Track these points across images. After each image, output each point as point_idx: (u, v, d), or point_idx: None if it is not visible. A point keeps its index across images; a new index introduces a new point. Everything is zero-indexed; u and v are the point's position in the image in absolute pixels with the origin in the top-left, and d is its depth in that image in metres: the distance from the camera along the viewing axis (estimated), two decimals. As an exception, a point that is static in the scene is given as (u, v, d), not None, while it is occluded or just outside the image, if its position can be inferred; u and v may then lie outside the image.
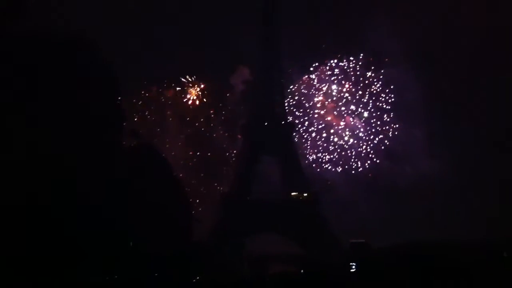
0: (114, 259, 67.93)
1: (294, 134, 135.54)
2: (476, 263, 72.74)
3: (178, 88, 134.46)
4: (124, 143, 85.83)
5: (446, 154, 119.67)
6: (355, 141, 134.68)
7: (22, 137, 55.84)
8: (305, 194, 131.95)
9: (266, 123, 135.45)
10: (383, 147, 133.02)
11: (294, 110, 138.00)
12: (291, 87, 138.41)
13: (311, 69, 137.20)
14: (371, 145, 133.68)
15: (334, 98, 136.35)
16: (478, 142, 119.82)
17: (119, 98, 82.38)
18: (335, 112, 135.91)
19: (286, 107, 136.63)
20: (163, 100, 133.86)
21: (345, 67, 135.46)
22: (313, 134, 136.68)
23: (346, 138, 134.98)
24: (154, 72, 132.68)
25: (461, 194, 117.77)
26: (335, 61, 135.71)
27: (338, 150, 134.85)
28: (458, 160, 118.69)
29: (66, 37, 66.20)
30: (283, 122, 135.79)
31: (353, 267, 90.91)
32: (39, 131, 57.41)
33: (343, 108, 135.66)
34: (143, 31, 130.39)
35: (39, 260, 55.03)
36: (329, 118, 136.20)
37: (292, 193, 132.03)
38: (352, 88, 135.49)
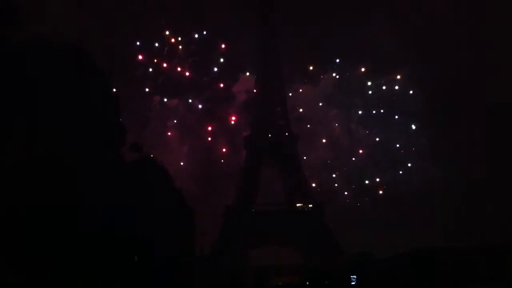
0: (117, 271, 67.74)
1: (297, 144, 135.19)
2: (480, 272, 72.43)
3: (180, 100, 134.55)
4: (126, 156, 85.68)
5: (451, 161, 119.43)
6: (359, 151, 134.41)
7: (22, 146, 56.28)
8: (309, 205, 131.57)
9: (269, 135, 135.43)
10: (387, 156, 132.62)
11: (297, 120, 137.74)
12: (293, 97, 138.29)
13: (313, 78, 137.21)
14: (375, 154, 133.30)
15: (337, 107, 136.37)
16: (482, 147, 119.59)
17: (120, 110, 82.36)
18: (338, 121, 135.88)
19: (289, 118, 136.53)
20: (165, 112, 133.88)
21: (348, 75, 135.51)
22: (316, 144, 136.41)
23: (349, 148, 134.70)
24: (155, 83, 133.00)
25: (465, 202, 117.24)
26: (337, 69, 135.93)
27: (342, 160, 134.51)
28: (462, 167, 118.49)
29: (64, 47, 66.21)
30: (286, 133, 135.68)
31: (358, 277, 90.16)
32: (38, 142, 57.65)
33: (346, 117, 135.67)
34: (143, 39, 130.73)
35: (39, 262, 55.35)
36: (332, 128, 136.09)
37: (296, 204, 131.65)
38: (355, 96, 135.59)
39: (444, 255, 76.90)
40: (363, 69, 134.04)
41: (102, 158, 66.52)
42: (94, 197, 59.75)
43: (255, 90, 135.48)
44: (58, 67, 60.98)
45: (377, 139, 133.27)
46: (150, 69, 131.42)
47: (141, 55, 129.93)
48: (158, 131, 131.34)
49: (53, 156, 56.40)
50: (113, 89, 78.05)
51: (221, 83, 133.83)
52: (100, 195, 62.87)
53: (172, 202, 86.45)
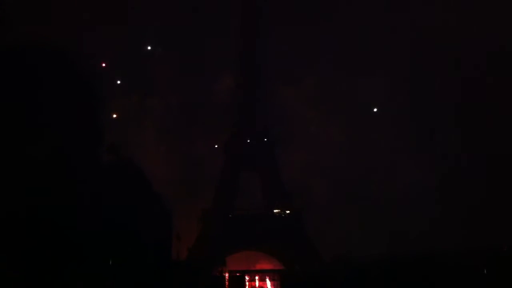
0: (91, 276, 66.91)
1: (276, 148, 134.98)
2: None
3: (159, 102, 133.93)
4: (103, 158, 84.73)
5: (428, 165, 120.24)
6: (338, 156, 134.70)
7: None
8: (287, 211, 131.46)
9: (248, 139, 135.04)
10: (366, 161, 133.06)
11: (278, 123, 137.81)
12: (273, 102, 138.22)
13: (294, 83, 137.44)
14: (354, 158, 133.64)
15: (317, 112, 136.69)
16: (461, 152, 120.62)
17: (98, 111, 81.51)
18: (317, 126, 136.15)
19: (269, 121, 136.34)
20: (143, 114, 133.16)
21: (329, 81, 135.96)
22: (296, 149, 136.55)
23: (328, 153, 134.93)
24: (134, 84, 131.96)
25: (442, 206, 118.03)
26: (319, 74, 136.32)
27: (321, 164, 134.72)
28: (440, 170, 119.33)
29: (45, 50, 65.69)
30: (265, 138, 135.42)
31: (336, 279, 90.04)
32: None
33: (325, 123, 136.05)
34: (123, 41, 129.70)
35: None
36: (311, 133, 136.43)
37: (274, 210, 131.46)
38: (336, 101, 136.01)
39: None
40: (345, 72, 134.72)
41: (95, 159, 66.22)
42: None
43: (235, 94, 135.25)
44: (51, 67, 60.54)
45: (360, 141, 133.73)
46: (118, 82, 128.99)
47: (104, 63, 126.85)
48: (136, 132, 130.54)
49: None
50: (100, 89, 77.58)
51: (201, 84, 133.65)
52: (77, 200, 62.31)
53: (148, 205, 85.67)
